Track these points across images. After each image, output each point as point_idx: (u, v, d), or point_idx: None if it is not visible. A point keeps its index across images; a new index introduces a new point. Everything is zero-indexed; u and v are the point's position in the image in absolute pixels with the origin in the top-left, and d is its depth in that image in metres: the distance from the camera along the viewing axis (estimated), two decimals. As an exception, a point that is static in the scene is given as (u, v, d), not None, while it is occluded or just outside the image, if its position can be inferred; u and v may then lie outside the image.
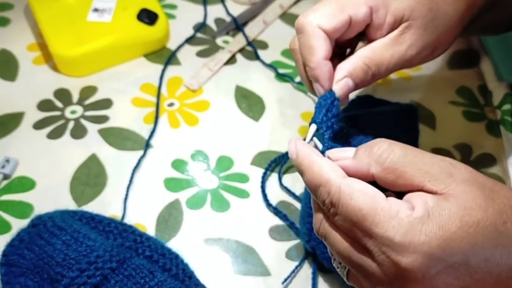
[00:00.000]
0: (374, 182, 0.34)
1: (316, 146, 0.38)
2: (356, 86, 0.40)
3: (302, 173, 0.35)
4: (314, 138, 0.38)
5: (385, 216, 0.31)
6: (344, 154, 0.36)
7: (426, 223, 0.30)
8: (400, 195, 0.33)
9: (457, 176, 0.32)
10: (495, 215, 0.31)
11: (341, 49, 0.43)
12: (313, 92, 0.42)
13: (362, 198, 0.32)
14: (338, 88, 0.40)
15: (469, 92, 0.63)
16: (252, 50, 0.67)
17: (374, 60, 0.40)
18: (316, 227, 0.36)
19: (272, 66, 0.65)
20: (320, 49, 0.39)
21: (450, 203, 0.31)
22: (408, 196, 0.32)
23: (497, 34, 0.60)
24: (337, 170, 0.34)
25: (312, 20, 0.40)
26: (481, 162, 0.57)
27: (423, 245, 0.30)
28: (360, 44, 0.43)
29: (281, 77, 0.64)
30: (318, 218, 0.36)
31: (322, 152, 0.37)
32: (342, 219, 0.33)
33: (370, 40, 0.42)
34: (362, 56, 0.40)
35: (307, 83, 0.42)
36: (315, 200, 0.36)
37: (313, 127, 0.38)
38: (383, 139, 0.34)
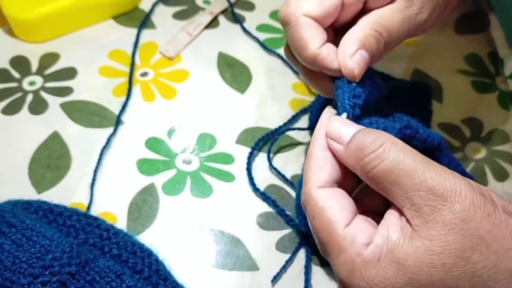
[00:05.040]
0: None
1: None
2: (371, 60, 0.34)
3: None
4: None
5: (336, 248, 0.29)
6: (341, 133, 0.31)
7: (372, 268, 0.27)
8: None
9: (442, 214, 0.26)
10: (458, 280, 0.26)
11: (341, 33, 0.36)
12: (313, 85, 0.37)
13: (321, 221, 0.29)
14: (355, 63, 0.33)
15: (479, 60, 0.57)
16: (237, 11, 0.59)
17: (384, 26, 0.34)
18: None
19: (257, 38, 0.58)
20: (313, 40, 0.33)
21: (412, 250, 0.26)
22: (386, 215, 0.29)
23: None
24: (320, 174, 0.30)
25: (296, 8, 0.34)
26: (492, 139, 0.51)
27: None
28: None
29: (268, 47, 0.57)
30: None
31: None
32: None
33: None
34: (371, 22, 0.34)
35: (304, 76, 0.37)
36: None
37: (344, 115, 0.33)
38: (381, 137, 0.29)
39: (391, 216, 0.29)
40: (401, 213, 0.28)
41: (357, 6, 0.35)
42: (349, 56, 0.33)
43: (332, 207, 0.29)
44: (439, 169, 0.28)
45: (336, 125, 0.31)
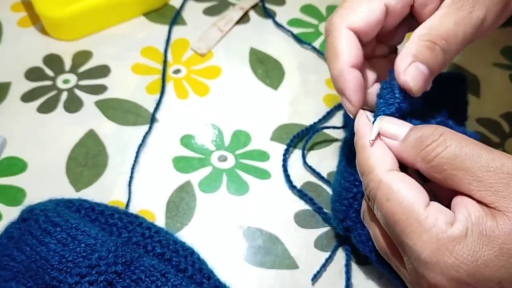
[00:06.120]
0: None
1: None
2: (432, 72, 0.33)
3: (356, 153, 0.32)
4: (367, 112, 0.33)
5: (418, 228, 0.28)
6: (397, 130, 0.31)
7: (460, 244, 0.27)
8: None
9: None
10: None
11: (389, 46, 0.37)
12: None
13: (398, 201, 0.29)
14: (410, 77, 0.32)
15: (516, 53, 0.56)
16: (268, 6, 0.59)
17: (438, 34, 0.33)
18: (362, 212, 0.34)
19: (290, 31, 0.57)
20: (344, 53, 0.33)
21: (496, 222, 0.27)
22: (456, 201, 0.29)
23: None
24: (384, 161, 0.30)
25: (341, 19, 0.33)
26: (533, 133, 0.50)
27: (450, 268, 0.27)
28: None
29: (300, 41, 0.56)
30: (365, 204, 0.33)
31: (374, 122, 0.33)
32: (378, 215, 0.31)
33: (421, 22, 0.35)
34: (421, 34, 0.33)
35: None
36: None
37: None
38: (439, 128, 0.29)
39: (461, 200, 0.29)
40: (469, 197, 0.28)
41: (402, 13, 0.35)
42: (404, 70, 0.32)
43: (409, 188, 0.29)
44: (497, 151, 0.29)
45: (389, 122, 0.32)
